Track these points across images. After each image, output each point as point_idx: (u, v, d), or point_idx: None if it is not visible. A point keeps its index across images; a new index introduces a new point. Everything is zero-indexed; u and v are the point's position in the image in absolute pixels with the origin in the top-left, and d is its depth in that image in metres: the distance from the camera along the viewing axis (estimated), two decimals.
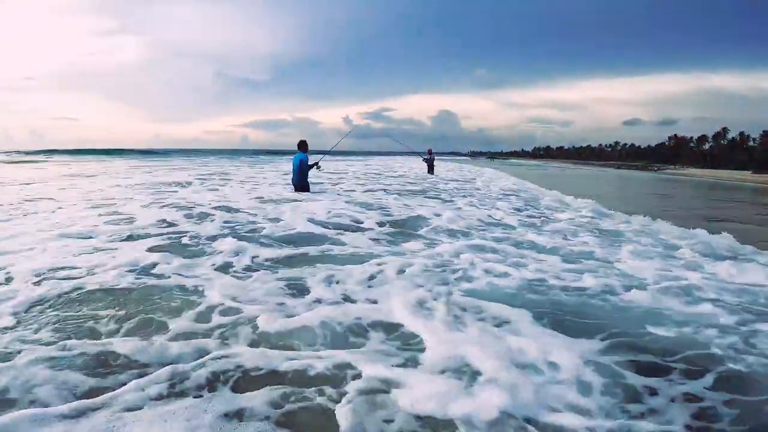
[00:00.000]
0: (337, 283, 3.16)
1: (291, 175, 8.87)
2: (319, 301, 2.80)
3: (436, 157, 18.26)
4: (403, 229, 5.32)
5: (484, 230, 5.39)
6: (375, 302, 2.80)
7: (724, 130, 68.27)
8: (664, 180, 26.79)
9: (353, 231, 5.09)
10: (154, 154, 45.46)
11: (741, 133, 65.63)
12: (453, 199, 8.76)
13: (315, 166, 8.54)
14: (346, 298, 2.86)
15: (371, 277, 3.30)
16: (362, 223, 5.62)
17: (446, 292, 2.95)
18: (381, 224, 5.56)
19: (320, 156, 8.85)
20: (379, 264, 3.64)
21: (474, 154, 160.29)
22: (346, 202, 7.42)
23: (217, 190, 9.54)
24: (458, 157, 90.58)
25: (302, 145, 8.39)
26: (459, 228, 5.42)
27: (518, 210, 7.48)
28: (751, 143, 62.93)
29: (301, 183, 8.50)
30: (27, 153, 39.24)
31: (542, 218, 6.59)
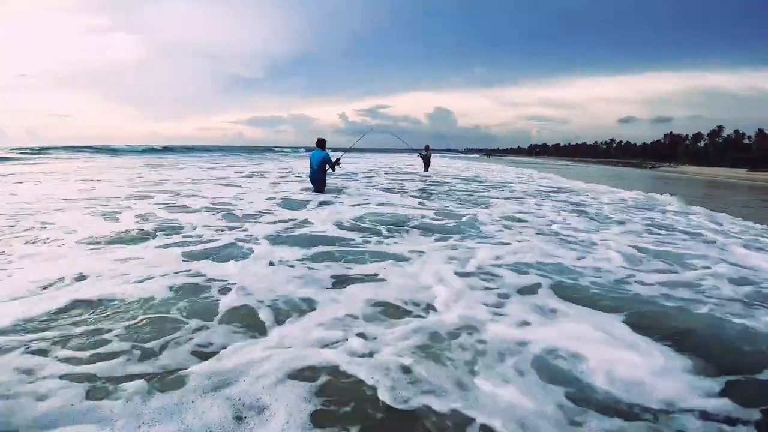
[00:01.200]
0: None
1: (309, 171, 8.84)
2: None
3: (432, 153, 17.66)
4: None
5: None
6: None
7: (720, 128, 68.72)
8: (674, 179, 26.86)
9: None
10: (153, 152, 44.45)
11: (736, 131, 66.10)
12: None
13: (336, 163, 8.55)
14: None
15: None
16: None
17: None
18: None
19: (340, 153, 8.96)
20: None
21: (470, 151, 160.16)
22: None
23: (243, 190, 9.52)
24: (469, 155, 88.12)
25: (321, 143, 8.46)
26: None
27: None
28: (746, 141, 63.43)
29: (320, 179, 8.55)
30: (19, 150, 37.23)
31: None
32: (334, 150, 8.97)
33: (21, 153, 31.61)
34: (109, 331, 2.33)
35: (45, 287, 2.97)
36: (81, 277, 3.15)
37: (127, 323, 2.43)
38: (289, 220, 5.71)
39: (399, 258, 3.92)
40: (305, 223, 5.52)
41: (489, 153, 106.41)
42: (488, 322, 2.54)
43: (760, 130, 60.71)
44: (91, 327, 2.37)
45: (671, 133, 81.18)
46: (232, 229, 5.06)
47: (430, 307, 2.78)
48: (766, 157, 52.30)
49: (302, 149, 67.03)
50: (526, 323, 2.56)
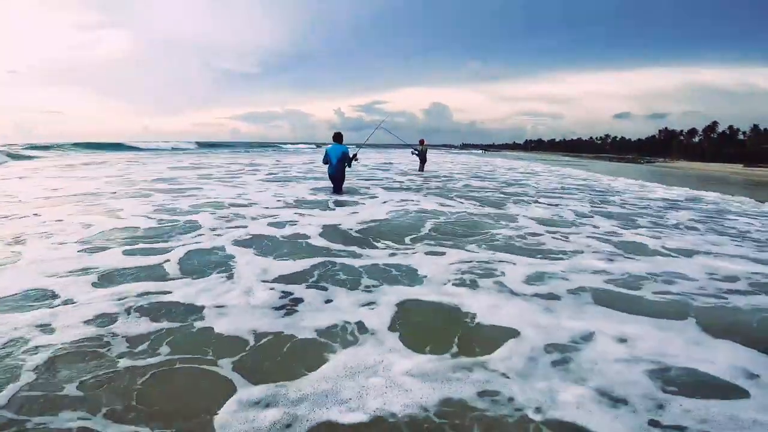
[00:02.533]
0: None
1: (327, 168, 8.25)
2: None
3: (429, 149, 15.03)
4: None
5: None
6: None
7: (714, 123, 68.97)
8: (690, 175, 26.61)
9: None
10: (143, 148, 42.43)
11: (730, 127, 66.36)
12: None
13: (354, 158, 8.17)
14: None
15: None
16: None
17: None
18: None
19: (356, 149, 8.57)
20: None
21: (465, 147, 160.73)
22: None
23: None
24: (473, 151, 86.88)
25: (338, 137, 7.97)
26: None
27: None
28: (740, 137, 63.69)
29: (340, 175, 8.11)
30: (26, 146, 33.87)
31: None
32: (324, 145, 8.51)
33: (32, 150, 27.74)
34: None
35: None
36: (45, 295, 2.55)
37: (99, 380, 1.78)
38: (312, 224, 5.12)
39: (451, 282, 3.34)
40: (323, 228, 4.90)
41: (485, 148, 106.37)
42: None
43: (755, 126, 61.00)
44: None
45: (666, 128, 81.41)
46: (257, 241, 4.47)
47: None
48: (761, 153, 52.54)
49: (313, 145, 66.25)
50: None
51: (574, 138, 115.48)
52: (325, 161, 8.07)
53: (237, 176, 11.36)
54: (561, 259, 3.88)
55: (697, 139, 71.69)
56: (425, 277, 3.23)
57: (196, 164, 16.63)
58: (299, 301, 2.69)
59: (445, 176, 13.35)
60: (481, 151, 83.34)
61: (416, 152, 14.14)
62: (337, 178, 8.12)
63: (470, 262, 3.64)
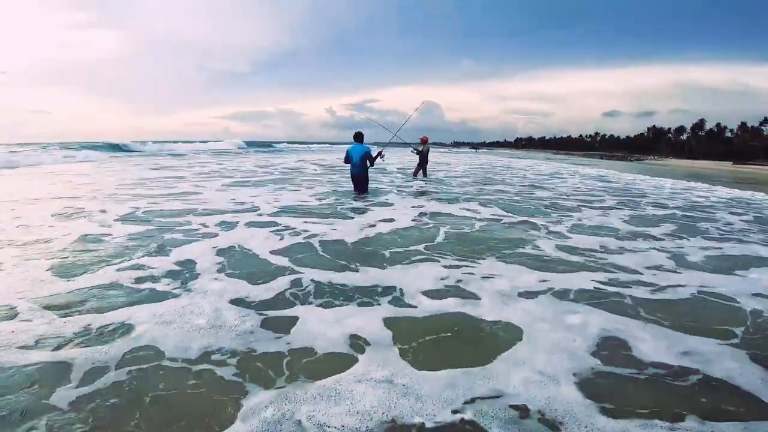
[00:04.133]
0: None
1: (350, 168, 8.08)
2: None
3: (431, 148, 12.54)
4: None
5: None
6: None
7: (702, 121, 70.09)
8: (680, 173, 26.66)
9: None
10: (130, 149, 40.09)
11: (718, 125, 67.52)
12: None
13: (379, 155, 7.98)
14: None
15: None
16: None
17: None
18: None
19: (378, 148, 8.32)
20: None
21: (457, 145, 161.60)
22: None
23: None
24: (464, 150, 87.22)
25: (359, 137, 7.79)
26: None
27: None
28: (727, 135, 64.85)
29: (362, 175, 7.92)
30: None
31: None
32: (319, 143, 8.18)
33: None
34: None
35: None
36: None
37: None
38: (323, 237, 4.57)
39: None
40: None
41: (475, 147, 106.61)
42: None
43: (743, 123, 62.12)
44: None
45: (654, 126, 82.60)
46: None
47: None
48: (748, 151, 53.53)
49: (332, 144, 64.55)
50: None
51: (565, 136, 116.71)
52: (347, 161, 7.86)
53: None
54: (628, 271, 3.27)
55: (684, 137, 72.85)
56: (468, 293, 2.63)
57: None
58: (308, 314, 2.48)
59: (455, 178, 12.63)
60: (474, 150, 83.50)
61: (416, 152, 11.75)
62: (360, 178, 7.94)
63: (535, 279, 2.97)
